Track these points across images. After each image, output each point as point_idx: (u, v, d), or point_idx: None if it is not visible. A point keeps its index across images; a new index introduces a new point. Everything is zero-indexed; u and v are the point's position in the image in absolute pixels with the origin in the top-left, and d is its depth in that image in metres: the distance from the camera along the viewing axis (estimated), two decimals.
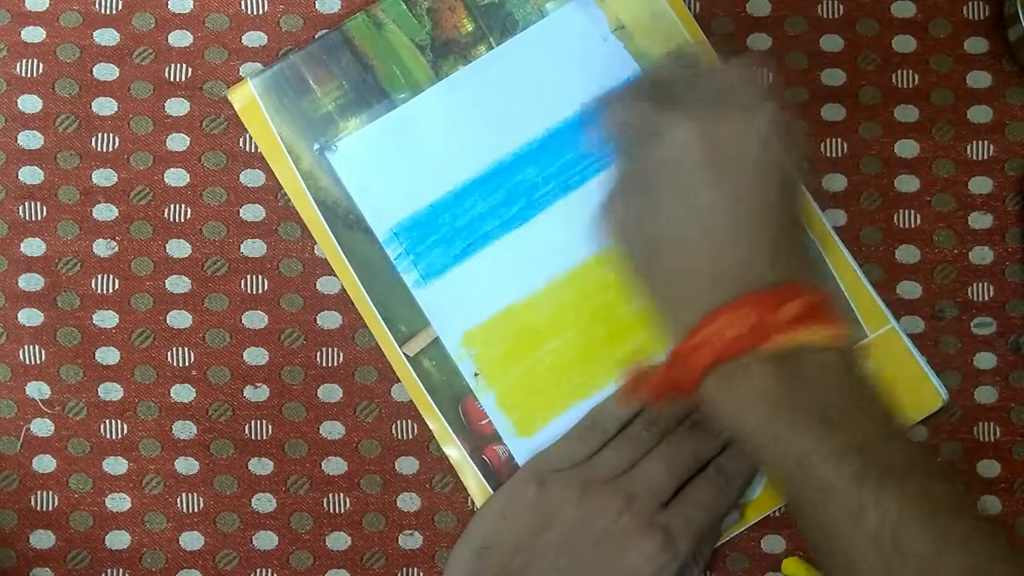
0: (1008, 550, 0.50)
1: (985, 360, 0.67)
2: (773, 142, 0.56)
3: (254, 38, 0.68)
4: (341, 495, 0.66)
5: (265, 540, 0.66)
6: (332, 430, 0.67)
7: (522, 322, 0.66)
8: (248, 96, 0.67)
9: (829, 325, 0.54)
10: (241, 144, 0.68)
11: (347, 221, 0.66)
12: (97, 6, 0.68)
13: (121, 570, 0.66)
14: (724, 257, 0.55)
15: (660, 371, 0.57)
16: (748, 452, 0.56)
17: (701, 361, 0.54)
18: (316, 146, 0.67)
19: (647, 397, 0.62)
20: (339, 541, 0.66)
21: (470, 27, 0.67)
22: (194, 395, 0.67)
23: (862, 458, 0.51)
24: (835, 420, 0.52)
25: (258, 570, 0.66)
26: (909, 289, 0.67)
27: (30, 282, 0.67)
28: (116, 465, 0.66)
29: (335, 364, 0.67)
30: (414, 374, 0.66)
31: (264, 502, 0.66)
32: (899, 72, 0.68)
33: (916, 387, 0.66)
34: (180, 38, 0.68)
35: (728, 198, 0.55)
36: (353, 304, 0.67)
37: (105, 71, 0.68)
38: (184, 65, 0.68)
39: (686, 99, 0.57)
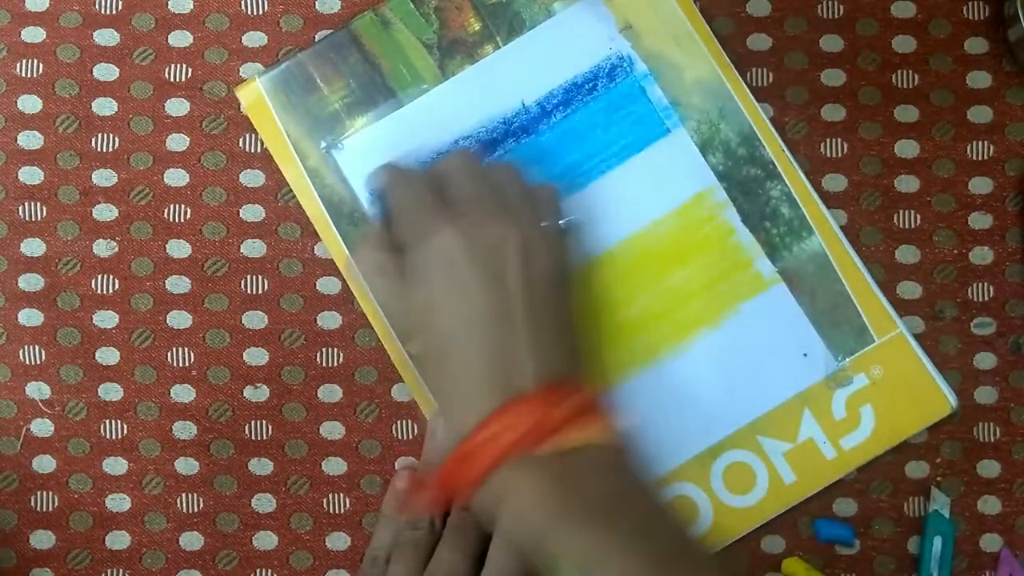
0: None
1: (985, 360, 0.67)
2: (537, 245, 0.57)
3: (254, 38, 0.68)
4: (341, 495, 0.66)
5: (265, 540, 0.66)
6: (332, 430, 0.66)
7: None
8: (256, 94, 0.67)
9: (601, 422, 0.55)
10: (241, 144, 0.67)
11: (352, 219, 0.66)
12: (97, 6, 0.68)
13: (121, 570, 0.66)
14: (496, 359, 0.56)
15: (438, 475, 0.57)
16: (528, 553, 0.54)
17: (479, 466, 0.54)
18: (323, 144, 0.66)
19: (425, 502, 0.61)
20: (339, 541, 0.66)
21: (477, 26, 0.67)
22: (194, 395, 0.66)
23: (646, 549, 0.51)
24: (612, 520, 0.52)
25: (258, 570, 0.66)
26: (909, 289, 0.67)
27: (30, 282, 0.66)
28: (116, 465, 0.66)
29: (335, 364, 0.67)
30: (416, 373, 0.66)
31: (264, 502, 0.66)
32: (899, 72, 0.68)
33: (924, 393, 0.65)
34: (180, 38, 0.68)
35: (494, 302, 0.56)
36: (354, 304, 0.66)
37: (105, 71, 0.68)
38: (184, 65, 0.68)
39: (457, 198, 0.59)
